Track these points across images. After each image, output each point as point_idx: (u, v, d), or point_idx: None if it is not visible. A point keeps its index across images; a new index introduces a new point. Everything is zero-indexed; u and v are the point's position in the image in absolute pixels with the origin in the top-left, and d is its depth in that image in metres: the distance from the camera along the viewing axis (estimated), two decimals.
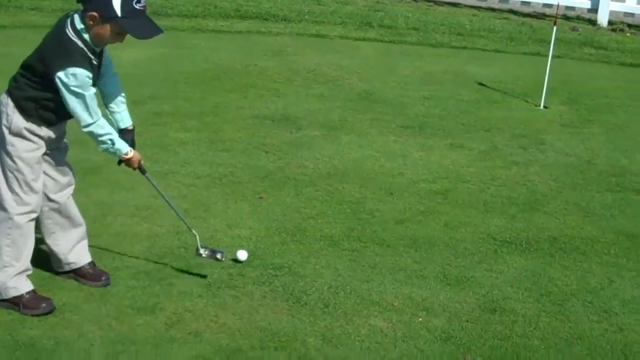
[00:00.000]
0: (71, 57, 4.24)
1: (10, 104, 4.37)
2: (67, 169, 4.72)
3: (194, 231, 4.95)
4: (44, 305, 4.53)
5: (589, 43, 11.18)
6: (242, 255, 5.14)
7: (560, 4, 11.53)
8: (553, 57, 8.66)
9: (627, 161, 7.19)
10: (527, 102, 8.57)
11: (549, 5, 12.43)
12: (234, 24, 10.78)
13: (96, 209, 5.61)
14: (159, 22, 9.17)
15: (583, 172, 6.91)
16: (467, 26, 11.53)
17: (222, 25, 10.69)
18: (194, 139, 7.00)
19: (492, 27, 11.62)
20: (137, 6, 4.28)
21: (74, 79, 4.23)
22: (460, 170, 6.77)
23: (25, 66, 4.39)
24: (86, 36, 4.28)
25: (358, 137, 7.29)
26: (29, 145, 4.40)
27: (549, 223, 5.95)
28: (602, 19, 12.35)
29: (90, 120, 4.33)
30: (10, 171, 4.42)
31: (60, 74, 4.22)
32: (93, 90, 4.32)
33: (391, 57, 9.92)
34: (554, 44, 8.66)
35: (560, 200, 6.33)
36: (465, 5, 12.90)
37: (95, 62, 4.35)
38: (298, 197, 6.07)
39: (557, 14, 8.99)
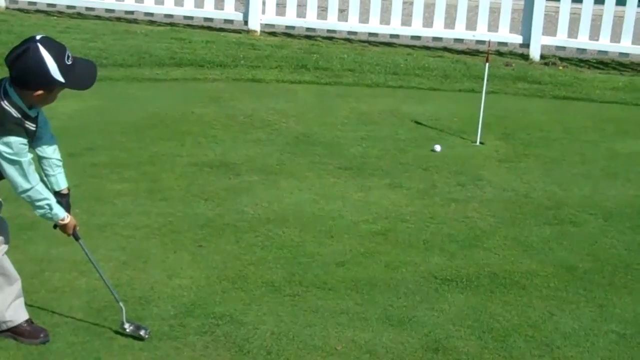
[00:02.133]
0: (5, 126, 4.24)
1: None
2: (1, 226, 4.63)
3: (120, 304, 4.86)
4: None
5: (523, 77, 11.32)
6: None
7: (492, 40, 11.69)
8: (487, 93, 8.76)
9: (563, 194, 7.28)
10: (463, 138, 8.64)
11: (482, 42, 12.57)
12: (169, 72, 10.76)
13: (33, 264, 5.54)
14: None
15: (521, 206, 6.98)
16: (402, 65, 11.62)
17: (157, 74, 10.67)
18: (131, 189, 6.95)
19: (426, 65, 11.73)
20: (69, 62, 4.32)
21: (8, 148, 4.24)
22: (399, 210, 6.80)
23: None
24: (22, 105, 4.29)
25: (297, 181, 7.30)
26: None
27: (488, 259, 5.99)
28: (535, 53, 12.52)
29: (27, 186, 4.33)
30: None
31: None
32: (29, 156, 4.32)
33: (328, 98, 9.96)
34: (487, 80, 8.77)
35: (499, 236, 6.38)
36: (400, 45, 13.01)
37: (32, 128, 4.37)
38: (238, 244, 6.05)
39: (488, 50, 9.12)
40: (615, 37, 12.49)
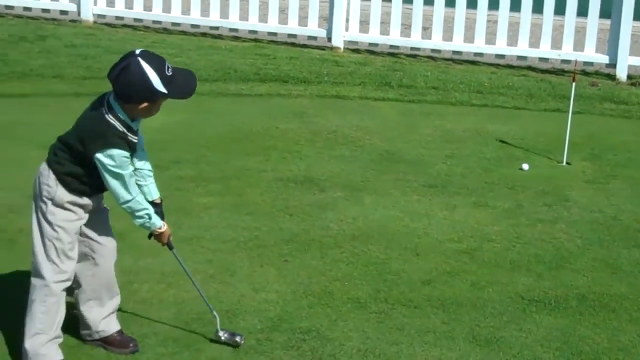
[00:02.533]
0: (109, 139, 4.37)
1: (52, 176, 4.48)
2: (112, 233, 4.82)
3: (214, 313, 4.93)
4: None
5: (609, 98, 11.17)
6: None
7: (578, 59, 11.56)
8: (573, 113, 8.66)
9: None
10: (549, 158, 8.55)
11: (567, 61, 12.45)
12: (254, 87, 10.83)
13: (122, 276, 5.57)
14: None
15: (609, 228, 6.88)
16: (486, 84, 11.55)
17: (242, 89, 10.75)
18: (217, 203, 7.01)
19: (511, 84, 11.64)
20: (169, 73, 4.41)
21: (112, 160, 4.38)
22: (485, 229, 6.75)
23: (64, 143, 4.52)
24: (126, 118, 4.43)
25: (381, 198, 7.29)
26: (70, 216, 4.51)
27: (576, 281, 5.92)
28: (621, 73, 12.35)
29: (128, 197, 4.46)
30: (49, 239, 4.49)
31: (99, 155, 4.36)
32: (131, 168, 4.51)
33: (411, 116, 9.94)
34: (573, 100, 8.67)
35: (587, 257, 6.30)
36: (484, 63, 12.94)
37: (134, 141, 4.51)
38: (323, 260, 6.06)
39: (575, 69, 9.01)
40: None
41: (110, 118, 4.40)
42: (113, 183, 4.42)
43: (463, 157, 8.46)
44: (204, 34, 13.83)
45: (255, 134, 8.89)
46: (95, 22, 14.06)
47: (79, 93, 9.91)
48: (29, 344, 4.56)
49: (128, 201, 4.48)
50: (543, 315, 5.43)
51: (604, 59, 12.56)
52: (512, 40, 12.93)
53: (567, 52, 12.59)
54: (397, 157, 8.38)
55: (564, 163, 8.41)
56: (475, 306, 5.50)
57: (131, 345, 4.83)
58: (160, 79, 4.36)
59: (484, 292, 5.70)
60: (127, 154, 4.42)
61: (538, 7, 12.64)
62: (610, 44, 12.54)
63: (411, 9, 13.04)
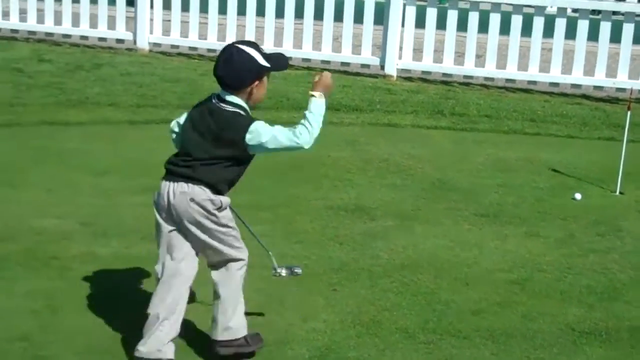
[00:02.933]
0: (245, 120, 4.76)
1: (208, 190, 4.80)
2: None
3: (270, 252, 5.44)
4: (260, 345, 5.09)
5: None
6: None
7: (634, 88, 11.46)
8: (628, 141, 8.58)
9: None
10: (602, 188, 8.48)
11: (622, 90, 12.36)
12: None
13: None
14: None
15: None
16: (539, 112, 11.50)
17: (294, 117, 10.75)
18: (267, 230, 7.01)
19: (564, 112, 11.58)
20: (264, 52, 4.85)
21: (258, 134, 4.74)
22: (536, 259, 6.70)
23: (206, 158, 4.78)
24: (245, 105, 4.83)
25: (432, 227, 7.27)
26: (229, 214, 4.98)
27: (629, 313, 5.85)
28: None
29: (299, 141, 4.88)
30: (228, 235, 4.95)
31: (248, 138, 4.74)
32: (274, 126, 4.84)
33: (464, 144, 9.92)
34: (628, 129, 8.60)
35: None
36: (538, 91, 12.90)
37: None
38: (372, 289, 6.05)
39: (630, 97, 8.94)
40: None
41: (235, 110, 4.77)
42: (276, 144, 4.82)
43: (515, 186, 8.42)
44: None
45: (306, 162, 8.89)
46: (150, 51, 14.25)
47: (133, 121, 10.04)
48: (234, 321, 4.99)
49: (305, 143, 4.89)
50: (594, 347, 5.37)
51: None
52: (567, 68, 12.89)
53: (622, 80, 12.52)
54: (448, 186, 8.36)
55: (617, 193, 8.33)
56: (525, 337, 5.46)
57: None
58: (261, 56, 4.76)
59: (535, 323, 5.65)
60: (263, 122, 4.80)
61: (593, 35, 12.58)
62: None
63: (465, 36, 13.07)
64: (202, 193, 4.76)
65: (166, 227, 4.85)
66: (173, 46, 14.37)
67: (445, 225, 7.33)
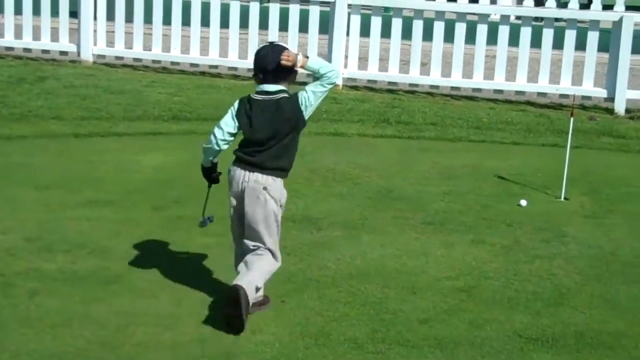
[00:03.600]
0: (295, 97, 5.70)
1: (279, 181, 5.72)
2: None
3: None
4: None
5: (607, 132, 11.20)
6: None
7: (576, 94, 11.59)
8: (571, 147, 8.67)
9: None
10: (547, 194, 8.56)
11: (566, 96, 12.49)
12: None
13: (118, 318, 5.60)
14: (178, 126, 9.42)
15: (607, 263, 6.87)
16: (484, 119, 11.59)
17: None
18: (216, 243, 6.98)
19: (509, 119, 11.68)
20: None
21: (305, 100, 5.72)
22: (483, 267, 6.73)
23: (278, 145, 5.67)
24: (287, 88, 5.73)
25: (379, 236, 7.28)
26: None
27: (574, 318, 5.90)
28: (619, 107, 12.40)
29: (334, 79, 5.84)
30: (277, 233, 5.74)
31: (303, 110, 5.71)
32: (307, 86, 5.76)
33: (409, 153, 9.96)
34: (572, 135, 8.69)
35: (586, 294, 6.29)
36: (482, 99, 12.99)
37: None
38: (320, 300, 6.05)
39: (573, 104, 9.03)
40: None
41: (277, 96, 5.65)
42: (319, 94, 5.78)
43: (461, 194, 8.46)
44: (203, 73, 13.89)
45: None
46: (94, 63, 14.13)
47: (77, 134, 9.94)
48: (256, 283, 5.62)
49: (334, 79, 5.81)
50: (541, 353, 5.40)
51: (602, 92, 12.63)
52: (511, 75, 13.00)
53: (565, 86, 12.66)
54: (395, 195, 8.39)
55: (562, 198, 8.41)
56: (472, 345, 5.48)
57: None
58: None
59: (482, 330, 5.68)
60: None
61: (536, 41, 12.70)
62: (608, 77, 12.61)
63: (410, 45, 13.12)
64: (271, 183, 5.63)
65: (239, 209, 5.72)
66: (117, 57, 14.26)
67: (392, 234, 7.35)
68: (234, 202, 5.76)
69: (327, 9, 13.26)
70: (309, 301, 6.02)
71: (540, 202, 8.32)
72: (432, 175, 9.04)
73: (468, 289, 6.32)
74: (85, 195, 7.91)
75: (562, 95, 12.70)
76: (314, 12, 13.29)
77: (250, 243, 5.70)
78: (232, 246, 5.99)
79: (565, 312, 5.99)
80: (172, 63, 14.09)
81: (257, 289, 5.64)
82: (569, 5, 12.78)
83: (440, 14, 13.01)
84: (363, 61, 13.45)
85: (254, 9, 13.52)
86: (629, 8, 12.88)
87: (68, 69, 13.71)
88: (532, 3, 12.90)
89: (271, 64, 5.60)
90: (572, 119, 8.69)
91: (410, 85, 13.41)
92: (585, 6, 13.30)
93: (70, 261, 6.49)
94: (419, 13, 13.06)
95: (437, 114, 11.74)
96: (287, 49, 5.62)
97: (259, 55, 5.70)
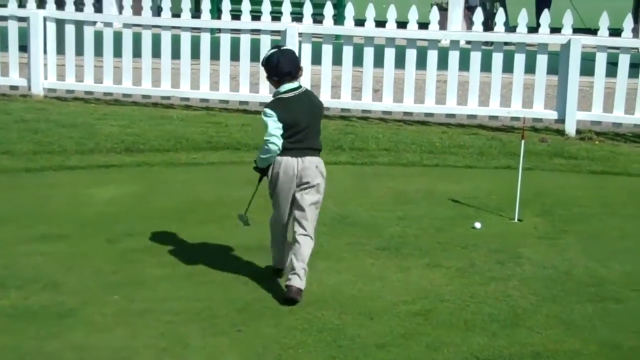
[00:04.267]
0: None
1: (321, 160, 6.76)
2: None
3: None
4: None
5: (559, 153, 11.31)
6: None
7: (527, 116, 11.71)
8: (524, 169, 8.75)
9: (604, 270, 7.21)
10: (501, 216, 8.61)
11: (517, 118, 12.60)
12: (206, 156, 10.84)
13: (72, 352, 5.54)
14: (131, 158, 9.41)
15: (562, 283, 6.92)
16: (437, 144, 11.65)
17: (194, 158, 10.75)
18: (170, 274, 6.96)
19: (462, 143, 11.75)
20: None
21: None
22: (439, 290, 6.75)
23: (316, 132, 6.73)
24: None
25: (335, 262, 7.28)
26: None
27: (531, 338, 5.93)
28: (570, 128, 12.52)
29: None
30: (317, 216, 6.80)
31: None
32: None
33: (364, 179, 9.98)
34: (523, 157, 8.76)
35: (541, 314, 6.32)
36: (435, 123, 13.06)
37: None
38: (277, 328, 6.03)
39: (524, 127, 9.12)
40: None
41: (302, 89, 6.63)
42: None
43: (416, 218, 8.49)
44: (155, 104, 13.85)
45: (208, 203, 8.87)
46: (45, 96, 14.04)
47: (29, 168, 9.87)
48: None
49: None
50: None
51: (552, 114, 12.76)
52: (462, 99, 13.10)
53: (516, 109, 12.77)
54: (350, 221, 8.39)
55: (516, 220, 8.46)
56: None
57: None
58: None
59: (439, 353, 5.69)
60: None
61: (487, 66, 12.81)
62: (559, 99, 12.74)
63: (361, 71, 13.17)
64: (316, 161, 6.64)
65: (290, 193, 6.61)
66: (68, 91, 14.18)
67: (348, 260, 7.36)
68: (284, 191, 6.63)
69: (279, 37, 13.29)
70: (266, 329, 6.00)
71: (495, 225, 8.37)
72: (386, 201, 9.07)
73: (424, 312, 6.33)
74: (38, 229, 7.84)
75: (514, 118, 12.81)
76: (265, 41, 13.30)
77: (298, 229, 6.58)
78: (271, 246, 7.04)
79: (521, 332, 6.02)
80: (124, 95, 14.04)
81: (305, 273, 6.47)
82: (518, 29, 12.90)
83: (390, 41, 13.08)
84: (316, 89, 13.45)
85: (205, 39, 13.53)
86: (576, 31, 13.01)
87: (19, 103, 13.61)
88: (481, 28, 13.01)
89: (288, 66, 6.49)
90: (522, 142, 8.76)
91: (363, 111, 13.46)
92: (534, 29, 13.45)
93: (23, 297, 6.42)
94: (369, 40, 13.12)
95: (391, 140, 11.79)
96: (292, 51, 6.70)
97: (275, 61, 6.51)
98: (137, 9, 14.09)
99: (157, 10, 14.14)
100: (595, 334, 6.01)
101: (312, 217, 6.63)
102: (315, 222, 6.70)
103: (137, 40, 13.77)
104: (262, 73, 13.18)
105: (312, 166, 6.59)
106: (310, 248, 6.58)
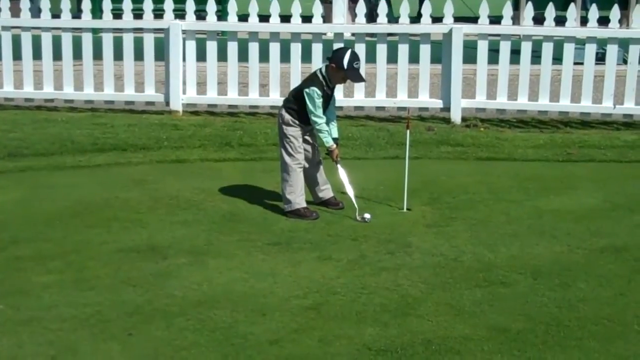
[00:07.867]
0: (314, 83, 8.17)
1: (283, 112, 8.36)
2: (317, 153, 8.61)
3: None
4: (314, 214, 8.34)
5: (445, 141, 11.45)
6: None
7: (413, 106, 11.82)
8: (411, 158, 8.82)
9: (492, 255, 7.32)
10: (390, 206, 8.68)
11: (404, 109, 12.70)
12: (92, 158, 10.67)
13: None
14: (14, 163, 9.23)
15: (451, 270, 7.00)
16: None
17: (80, 160, 10.57)
18: (57, 280, 6.82)
19: (350, 134, 11.80)
20: (355, 65, 8.12)
21: (313, 92, 8.11)
22: (330, 282, 6.77)
23: (291, 94, 8.46)
24: (326, 75, 8.17)
25: (226, 260, 7.24)
26: (294, 129, 8.32)
27: (421, 326, 5.98)
28: (455, 116, 12.69)
29: (319, 119, 8.21)
30: (287, 143, 8.31)
31: (306, 90, 8.13)
32: (320, 101, 8.14)
33: (253, 174, 9.95)
34: (409, 146, 8.84)
35: (431, 302, 6.38)
36: None
37: (327, 91, 8.22)
38: (169, 329, 5.96)
39: (408, 116, 9.20)
40: (534, 95, 12.75)
41: (319, 73, 8.17)
42: (310, 106, 8.13)
43: None
44: (39, 107, 13.60)
45: (94, 205, 8.72)
46: None
47: None
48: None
49: (317, 119, 8.20)
50: None
51: (438, 103, 12.90)
52: (349, 91, 13.14)
53: (402, 99, 12.87)
54: (240, 218, 8.36)
55: (405, 209, 8.54)
56: None
57: (340, 204, 8.62)
58: (348, 62, 8.04)
59: (332, 346, 5.70)
60: (320, 93, 8.10)
61: (371, 57, 12.89)
62: (443, 88, 12.89)
63: (247, 67, 13.13)
64: (281, 112, 8.39)
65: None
66: None
67: (239, 257, 7.32)
68: (308, 143, 8.47)
69: (162, 35, 13.15)
70: (157, 332, 5.93)
71: (384, 215, 8.43)
72: (276, 196, 9.04)
73: (317, 306, 6.34)
74: None
75: (400, 108, 12.92)
76: (149, 39, 13.17)
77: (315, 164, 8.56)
78: (301, 179, 8.38)
79: (412, 321, 6.07)
80: (6, 99, 13.73)
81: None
82: (400, 20, 13.01)
83: (275, 35, 13.07)
84: (202, 86, 13.40)
85: (87, 40, 13.31)
86: (457, 19, 13.18)
87: None
88: (364, 20, 13.08)
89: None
90: (408, 132, 8.84)
91: (251, 107, 13.43)
92: (416, 20, 13.57)
93: None
94: (253, 35, 13.09)
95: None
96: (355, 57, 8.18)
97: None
98: (15, 11, 13.77)
99: (36, 12, 13.81)
100: (485, 318, 6.10)
101: (282, 152, 8.53)
102: (285, 155, 8.42)
103: (16, 42, 13.46)
104: (147, 72, 13.16)
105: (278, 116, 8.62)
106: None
